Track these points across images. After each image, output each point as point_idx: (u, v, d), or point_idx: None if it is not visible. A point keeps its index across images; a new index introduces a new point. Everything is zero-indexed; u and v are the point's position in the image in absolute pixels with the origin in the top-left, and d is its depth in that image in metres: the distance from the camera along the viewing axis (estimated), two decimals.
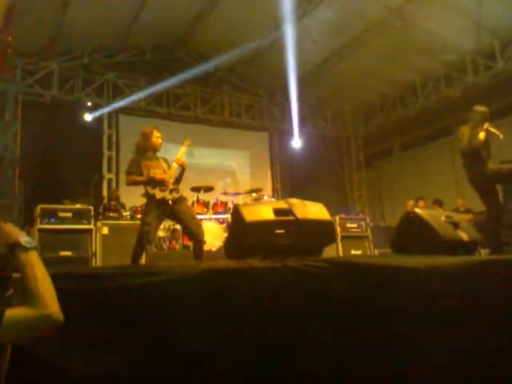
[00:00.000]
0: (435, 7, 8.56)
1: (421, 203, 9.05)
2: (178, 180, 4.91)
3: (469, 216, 8.22)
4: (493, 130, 5.10)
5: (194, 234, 4.84)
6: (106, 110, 10.22)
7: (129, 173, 4.89)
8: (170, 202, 4.72)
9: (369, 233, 8.31)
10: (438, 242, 4.27)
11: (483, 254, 4.87)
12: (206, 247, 6.97)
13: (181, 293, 1.43)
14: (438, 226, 4.45)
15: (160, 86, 10.56)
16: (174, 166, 4.91)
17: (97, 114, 10.14)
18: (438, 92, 10.73)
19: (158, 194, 4.68)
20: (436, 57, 9.93)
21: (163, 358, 1.01)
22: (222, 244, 6.97)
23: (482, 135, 5.05)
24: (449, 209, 8.19)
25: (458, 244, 4.50)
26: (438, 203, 9.15)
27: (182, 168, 4.92)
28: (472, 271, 1.86)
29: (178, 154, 4.96)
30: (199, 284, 1.56)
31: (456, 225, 4.68)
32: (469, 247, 4.62)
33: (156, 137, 4.93)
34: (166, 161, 5.03)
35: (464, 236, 4.60)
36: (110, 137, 10.74)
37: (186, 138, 5.22)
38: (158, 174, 4.79)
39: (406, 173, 11.97)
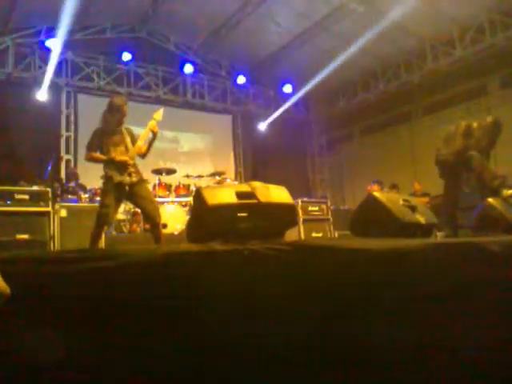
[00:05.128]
0: None
1: (376, 187, 9.22)
2: (149, 146, 4.79)
3: (425, 199, 8.46)
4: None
5: (150, 216, 4.77)
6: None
7: (89, 148, 4.71)
8: (127, 187, 4.61)
9: (330, 215, 8.44)
10: (396, 225, 4.39)
11: (439, 236, 5.02)
12: (168, 231, 6.93)
13: (140, 277, 1.41)
14: (395, 209, 4.56)
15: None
16: (139, 144, 4.75)
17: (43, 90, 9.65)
18: (397, 78, 10.92)
19: (116, 176, 4.54)
20: (396, 43, 10.05)
21: (119, 346, 1.00)
22: (184, 227, 6.93)
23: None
24: (406, 192, 8.39)
25: (415, 227, 4.64)
26: (395, 188, 9.38)
27: (154, 135, 4.78)
28: (431, 253, 1.91)
29: (153, 121, 4.76)
30: (159, 268, 1.54)
31: (413, 208, 4.81)
32: (426, 230, 4.77)
33: (124, 107, 4.72)
34: (130, 133, 4.83)
35: (421, 219, 4.74)
36: (68, 117, 10.40)
37: (156, 110, 4.96)
38: (118, 153, 4.64)
39: (366, 157, 12.16)
